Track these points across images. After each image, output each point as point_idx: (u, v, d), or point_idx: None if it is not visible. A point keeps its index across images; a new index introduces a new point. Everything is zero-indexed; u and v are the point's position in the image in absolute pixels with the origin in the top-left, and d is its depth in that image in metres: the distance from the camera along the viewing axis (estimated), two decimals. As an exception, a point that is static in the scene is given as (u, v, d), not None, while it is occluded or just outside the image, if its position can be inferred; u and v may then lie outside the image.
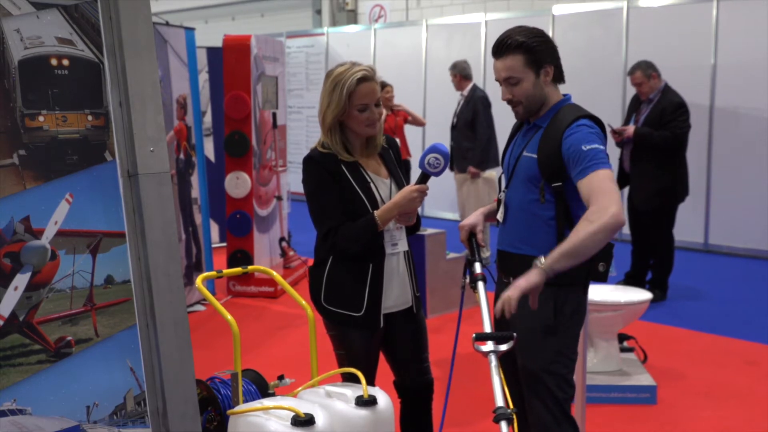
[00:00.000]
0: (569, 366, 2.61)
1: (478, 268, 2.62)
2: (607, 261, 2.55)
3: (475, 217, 2.79)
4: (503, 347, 2.28)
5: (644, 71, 6.13)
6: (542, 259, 2.36)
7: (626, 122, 6.42)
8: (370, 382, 2.77)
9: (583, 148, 2.42)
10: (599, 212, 2.31)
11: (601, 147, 2.46)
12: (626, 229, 6.44)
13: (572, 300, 2.59)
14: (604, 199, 2.33)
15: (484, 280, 2.59)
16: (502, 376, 2.27)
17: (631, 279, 6.35)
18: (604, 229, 2.30)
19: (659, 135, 5.96)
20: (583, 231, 2.31)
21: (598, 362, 4.43)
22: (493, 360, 2.29)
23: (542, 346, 2.55)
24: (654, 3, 8.51)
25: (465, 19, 10.37)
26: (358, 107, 2.72)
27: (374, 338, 2.84)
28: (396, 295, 2.83)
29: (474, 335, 2.34)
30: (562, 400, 2.59)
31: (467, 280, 2.66)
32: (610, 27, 8.80)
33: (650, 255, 6.34)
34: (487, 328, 2.42)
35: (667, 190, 6.08)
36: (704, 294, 6.56)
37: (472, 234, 2.74)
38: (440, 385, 4.53)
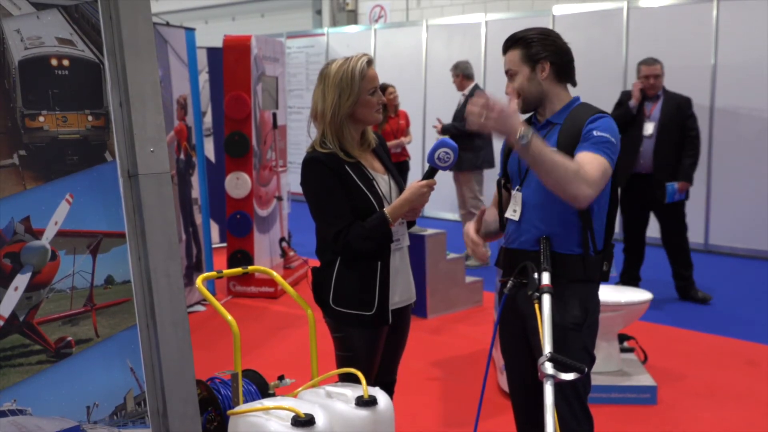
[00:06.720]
0: (589, 363, 2.61)
1: (546, 278, 2.46)
2: (610, 260, 2.60)
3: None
4: (564, 376, 2.12)
5: (662, 66, 6.15)
6: (529, 132, 2.32)
7: (632, 120, 6.28)
8: (371, 380, 2.76)
9: (595, 133, 2.50)
10: (583, 179, 2.38)
11: (614, 140, 2.51)
12: (653, 232, 6.45)
13: (593, 296, 2.63)
14: (591, 177, 2.40)
15: (551, 293, 2.42)
16: (555, 412, 2.09)
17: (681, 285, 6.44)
18: (569, 184, 2.38)
19: (688, 162, 6.06)
20: (564, 169, 2.36)
21: (599, 362, 4.40)
22: (548, 388, 2.11)
23: (568, 342, 2.53)
24: (654, 3, 8.51)
25: (465, 19, 10.37)
26: (370, 90, 2.74)
27: (381, 336, 2.82)
28: (401, 290, 2.82)
29: (549, 353, 2.18)
30: (582, 394, 2.61)
31: (508, 281, 2.60)
32: (610, 27, 8.80)
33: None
34: (548, 347, 2.25)
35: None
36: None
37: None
38: (438, 385, 4.54)
